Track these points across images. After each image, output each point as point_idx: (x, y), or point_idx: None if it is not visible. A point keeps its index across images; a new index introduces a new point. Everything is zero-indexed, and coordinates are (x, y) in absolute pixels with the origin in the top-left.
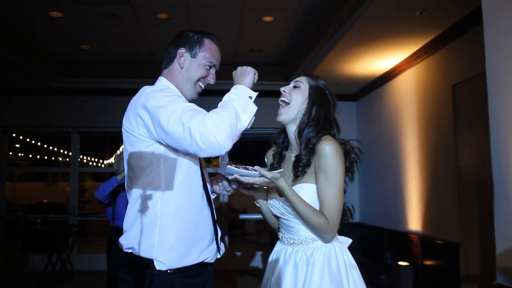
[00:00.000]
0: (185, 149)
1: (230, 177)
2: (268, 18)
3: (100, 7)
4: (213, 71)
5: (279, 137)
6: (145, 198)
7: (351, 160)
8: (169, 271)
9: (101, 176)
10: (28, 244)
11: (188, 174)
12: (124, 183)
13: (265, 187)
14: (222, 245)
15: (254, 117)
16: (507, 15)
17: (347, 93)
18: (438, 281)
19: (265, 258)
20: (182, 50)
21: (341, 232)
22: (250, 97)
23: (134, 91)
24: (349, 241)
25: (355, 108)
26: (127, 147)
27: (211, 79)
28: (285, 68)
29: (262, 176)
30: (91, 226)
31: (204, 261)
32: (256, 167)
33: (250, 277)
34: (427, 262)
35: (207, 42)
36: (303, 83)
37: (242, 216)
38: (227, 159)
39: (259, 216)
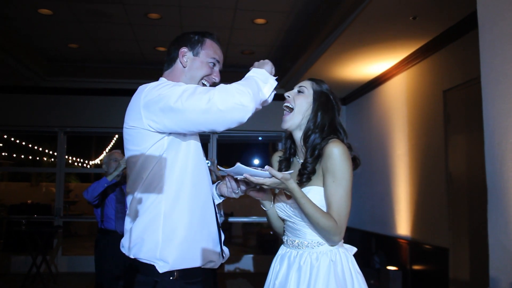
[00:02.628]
0: (202, 122)
1: (239, 177)
2: (260, 20)
3: (91, 5)
4: (216, 69)
5: (286, 143)
6: (149, 197)
7: (357, 164)
8: (171, 278)
9: (86, 177)
10: (11, 245)
11: (194, 171)
12: (113, 184)
13: (273, 189)
14: (226, 250)
15: (274, 92)
16: (503, 21)
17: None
18: (426, 286)
19: (254, 261)
20: (184, 49)
21: None
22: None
23: (123, 91)
24: (354, 249)
25: (344, 112)
26: (130, 147)
27: (216, 77)
28: (276, 71)
29: (273, 176)
30: (76, 227)
31: (208, 267)
32: (266, 167)
33: (243, 280)
34: (416, 267)
35: (208, 41)
36: (307, 88)
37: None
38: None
39: (245, 219)
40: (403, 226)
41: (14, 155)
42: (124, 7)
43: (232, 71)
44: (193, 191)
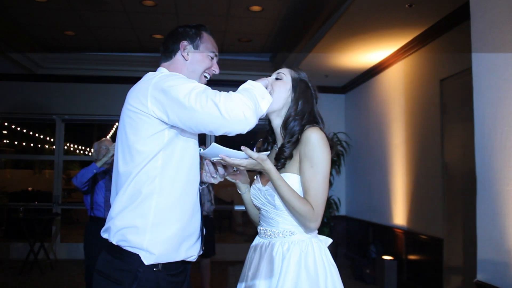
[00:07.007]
0: (203, 124)
1: (215, 159)
2: (256, 8)
3: None
4: (215, 61)
5: (268, 132)
6: (142, 187)
7: (337, 153)
8: (154, 269)
9: (88, 165)
10: (11, 232)
11: (189, 166)
12: (103, 171)
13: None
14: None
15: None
16: (494, 10)
17: (335, 85)
18: (421, 276)
19: None
20: (185, 43)
21: (327, 225)
22: None
23: (121, 79)
24: (329, 240)
25: (343, 100)
26: (128, 130)
27: (216, 69)
28: (274, 59)
29: (249, 157)
30: (77, 215)
31: (187, 260)
32: (242, 147)
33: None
34: (411, 257)
35: (205, 34)
36: (286, 75)
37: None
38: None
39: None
40: (399, 216)
41: (16, 143)
42: None
43: (230, 59)
44: (186, 188)
